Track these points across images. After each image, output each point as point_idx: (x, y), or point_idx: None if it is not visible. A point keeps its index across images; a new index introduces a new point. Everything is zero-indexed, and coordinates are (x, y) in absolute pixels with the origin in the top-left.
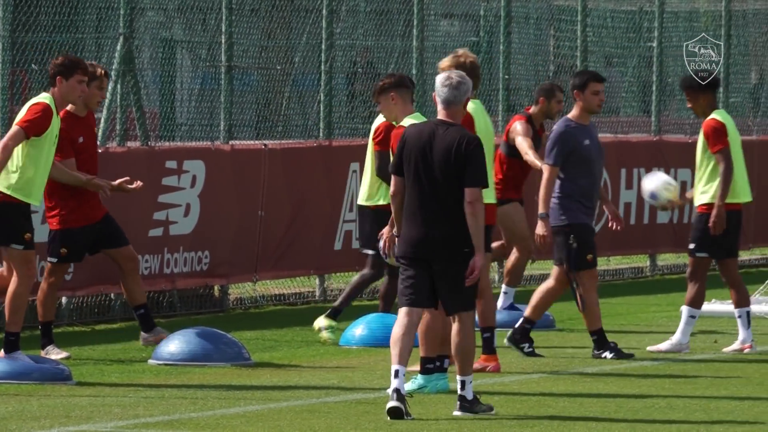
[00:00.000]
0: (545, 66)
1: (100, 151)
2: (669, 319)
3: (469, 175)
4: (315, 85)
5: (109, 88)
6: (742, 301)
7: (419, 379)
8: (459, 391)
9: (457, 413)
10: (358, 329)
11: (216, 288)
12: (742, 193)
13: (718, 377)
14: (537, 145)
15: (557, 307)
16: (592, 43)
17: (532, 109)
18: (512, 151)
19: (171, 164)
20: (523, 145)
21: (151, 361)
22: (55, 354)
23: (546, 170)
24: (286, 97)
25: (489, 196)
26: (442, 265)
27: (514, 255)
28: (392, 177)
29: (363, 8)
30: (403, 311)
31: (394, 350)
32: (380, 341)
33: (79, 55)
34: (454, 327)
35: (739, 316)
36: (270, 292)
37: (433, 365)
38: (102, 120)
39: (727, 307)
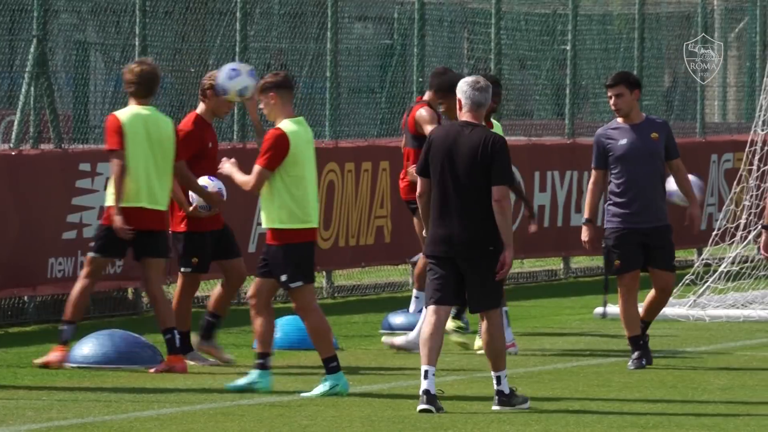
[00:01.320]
0: (459, 69)
1: (13, 153)
2: (582, 322)
3: (496, 174)
4: None
5: (23, 90)
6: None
7: (253, 374)
8: (496, 386)
9: (496, 408)
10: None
11: (130, 291)
12: None
13: (631, 379)
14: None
15: None
16: (506, 46)
17: (426, 96)
18: (422, 142)
19: (85, 167)
20: None
21: (65, 364)
22: None
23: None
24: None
25: None
26: (468, 263)
27: (421, 259)
28: (419, 178)
29: (277, 11)
30: (430, 309)
31: (424, 350)
32: (294, 344)
33: None
34: (483, 325)
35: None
36: None
37: (336, 363)
38: (15, 123)
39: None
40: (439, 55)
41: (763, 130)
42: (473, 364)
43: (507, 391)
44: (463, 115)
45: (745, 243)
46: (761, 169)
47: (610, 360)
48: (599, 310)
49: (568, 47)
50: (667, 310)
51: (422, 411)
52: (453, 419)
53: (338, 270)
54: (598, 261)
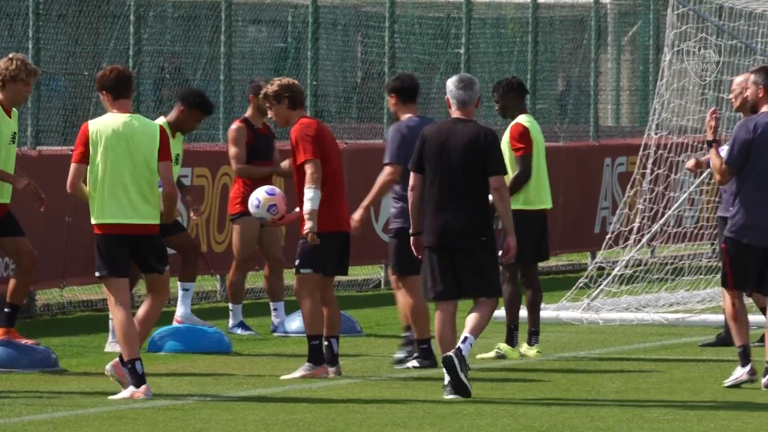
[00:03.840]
0: (353, 72)
1: None
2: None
3: (492, 165)
4: None
5: None
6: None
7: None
8: (461, 344)
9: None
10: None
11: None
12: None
13: (526, 383)
14: (265, 146)
15: (363, 312)
16: (400, 50)
17: (248, 112)
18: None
19: None
20: (230, 153)
21: None
22: None
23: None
24: (93, 102)
25: None
26: (463, 253)
27: (233, 272)
28: (411, 174)
29: (171, 14)
30: (437, 307)
31: (441, 345)
32: (189, 348)
33: None
34: (475, 309)
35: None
36: (78, 298)
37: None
38: None
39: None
40: (333, 59)
41: (656, 134)
42: (366, 369)
43: (465, 353)
44: (453, 113)
45: (638, 246)
46: (655, 173)
47: (503, 363)
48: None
49: (462, 51)
50: (561, 314)
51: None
52: (347, 422)
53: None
54: None
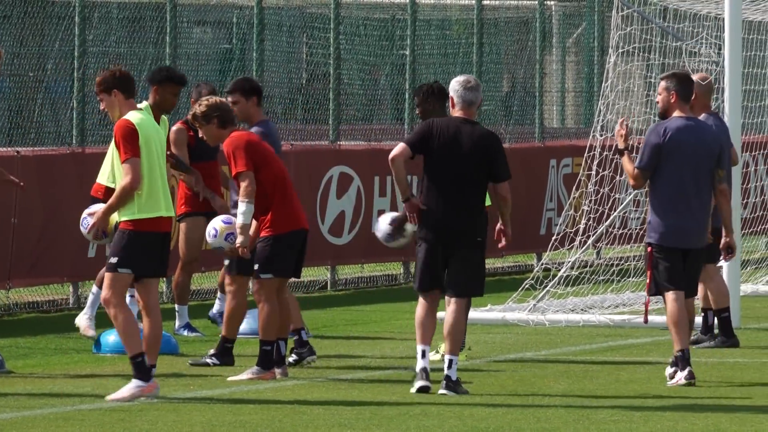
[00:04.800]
0: (298, 73)
1: None
2: None
3: (501, 171)
4: (68, 92)
5: None
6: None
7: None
8: (446, 371)
9: (442, 391)
10: (111, 336)
11: None
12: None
13: (471, 384)
14: (207, 147)
15: (310, 314)
16: (345, 51)
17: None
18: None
19: None
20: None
21: None
22: None
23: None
24: (38, 104)
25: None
26: (457, 251)
27: (179, 272)
28: (403, 145)
29: (116, 15)
30: (421, 296)
31: (419, 331)
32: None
33: None
34: (449, 309)
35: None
36: (23, 299)
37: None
38: None
39: (480, 314)
40: (278, 60)
41: (601, 135)
42: (313, 370)
43: (454, 378)
44: (456, 112)
45: (584, 248)
46: (600, 174)
47: None
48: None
49: (408, 52)
50: (507, 315)
51: (419, 390)
52: (294, 424)
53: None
54: None
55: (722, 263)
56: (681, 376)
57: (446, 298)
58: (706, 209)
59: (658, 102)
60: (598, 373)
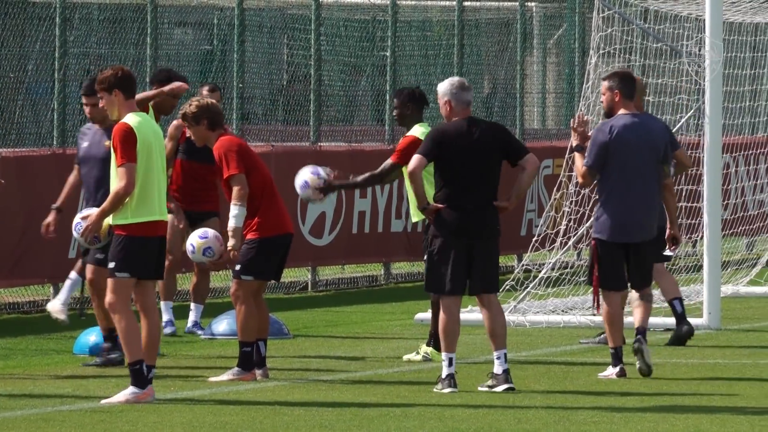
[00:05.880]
0: (279, 74)
1: None
2: (403, 327)
3: (519, 147)
4: (49, 92)
5: None
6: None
7: None
8: (503, 366)
9: (511, 385)
10: (91, 337)
11: None
12: None
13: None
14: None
15: (290, 315)
16: (326, 52)
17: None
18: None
19: None
20: None
21: None
22: None
23: None
24: (19, 105)
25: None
26: (483, 243)
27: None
28: (419, 157)
29: (97, 16)
30: (447, 300)
31: (447, 340)
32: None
33: None
34: (489, 307)
35: None
36: (3, 300)
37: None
38: None
39: (461, 315)
40: (259, 61)
41: None
42: (293, 371)
43: (506, 368)
44: (456, 114)
45: (565, 249)
46: None
47: (431, 366)
48: (420, 315)
49: (388, 53)
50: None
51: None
52: (274, 425)
53: None
54: (418, 267)
55: (668, 252)
56: (612, 372)
57: (478, 296)
58: (652, 204)
59: (602, 101)
60: (579, 374)
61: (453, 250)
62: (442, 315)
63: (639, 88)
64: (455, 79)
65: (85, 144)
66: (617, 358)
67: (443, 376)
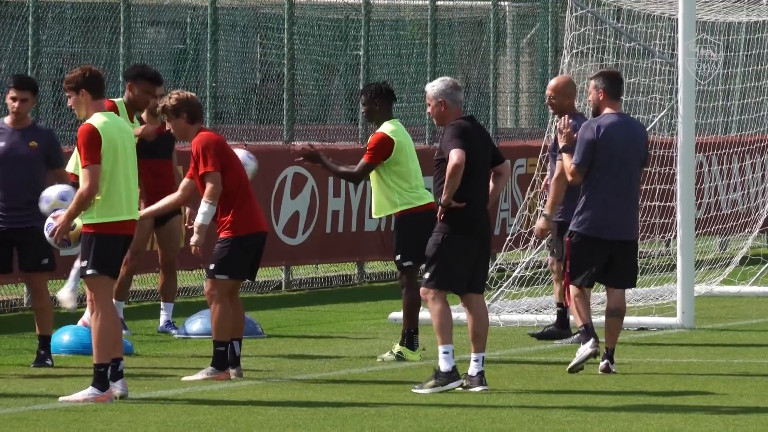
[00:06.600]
0: (252, 73)
1: None
2: (377, 327)
3: (499, 153)
4: None
5: None
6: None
7: None
8: (479, 369)
9: (485, 388)
10: (65, 335)
11: None
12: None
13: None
14: (162, 144)
15: (264, 314)
16: (300, 51)
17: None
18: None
19: None
20: None
21: None
22: None
23: None
24: None
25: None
26: (487, 243)
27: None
28: (459, 151)
29: (69, 15)
30: (441, 295)
31: (446, 335)
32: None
33: None
34: (478, 307)
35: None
36: None
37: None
38: None
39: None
40: (233, 60)
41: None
42: (268, 371)
43: (481, 370)
44: (451, 114)
45: (538, 248)
46: None
47: (404, 365)
48: (394, 315)
49: (362, 53)
50: (462, 315)
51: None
52: (248, 424)
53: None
54: (392, 266)
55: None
56: (586, 347)
57: (466, 296)
58: (636, 202)
59: (589, 101)
60: (553, 374)
61: (470, 248)
62: (438, 308)
63: (574, 90)
64: (448, 79)
65: (1, 144)
66: (588, 333)
67: (446, 370)
